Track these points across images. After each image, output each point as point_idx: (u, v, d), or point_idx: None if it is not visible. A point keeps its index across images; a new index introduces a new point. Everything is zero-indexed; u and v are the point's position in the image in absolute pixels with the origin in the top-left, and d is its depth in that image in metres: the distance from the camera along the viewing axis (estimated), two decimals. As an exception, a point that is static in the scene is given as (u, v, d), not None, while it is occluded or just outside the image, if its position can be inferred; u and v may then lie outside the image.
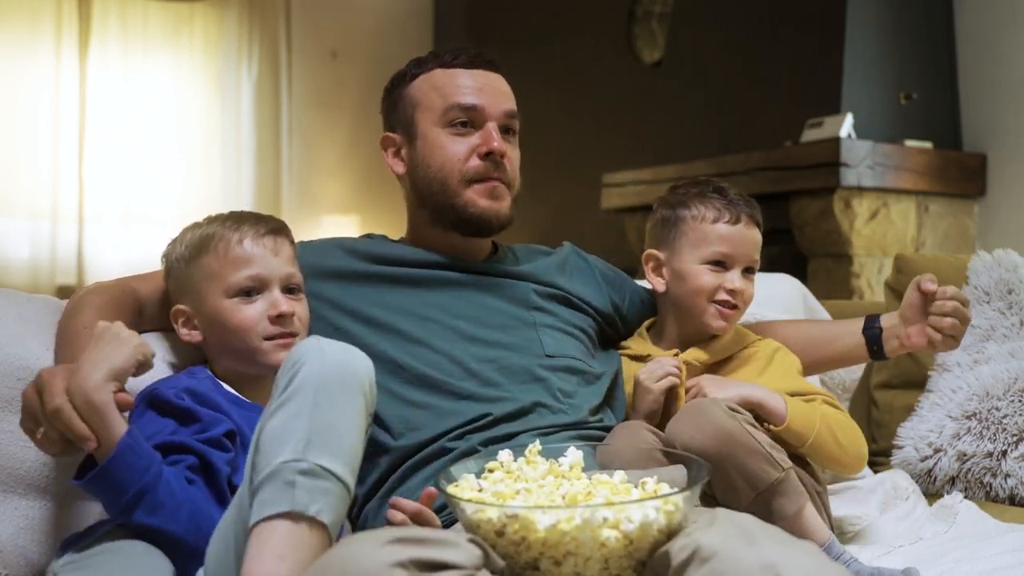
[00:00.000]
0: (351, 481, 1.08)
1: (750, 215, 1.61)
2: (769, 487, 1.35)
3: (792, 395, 1.55)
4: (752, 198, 1.65)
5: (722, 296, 1.58)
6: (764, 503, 1.35)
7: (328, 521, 1.05)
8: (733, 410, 1.39)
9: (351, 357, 1.14)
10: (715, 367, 1.61)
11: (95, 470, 1.13)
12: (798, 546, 1.00)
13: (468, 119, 1.55)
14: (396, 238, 1.67)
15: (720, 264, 1.59)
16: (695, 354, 1.60)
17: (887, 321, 1.65)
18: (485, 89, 1.57)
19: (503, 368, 1.48)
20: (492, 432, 1.41)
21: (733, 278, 1.58)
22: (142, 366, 1.19)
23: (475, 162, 1.54)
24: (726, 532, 0.99)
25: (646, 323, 1.72)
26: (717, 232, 1.59)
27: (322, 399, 1.09)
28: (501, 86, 1.60)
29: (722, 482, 1.36)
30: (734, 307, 1.59)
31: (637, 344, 1.67)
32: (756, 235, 1.62)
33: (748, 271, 1.61)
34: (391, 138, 1.62)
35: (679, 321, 1.64)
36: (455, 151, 1.54)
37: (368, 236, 1.67)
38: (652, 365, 1.55)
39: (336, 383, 1.10)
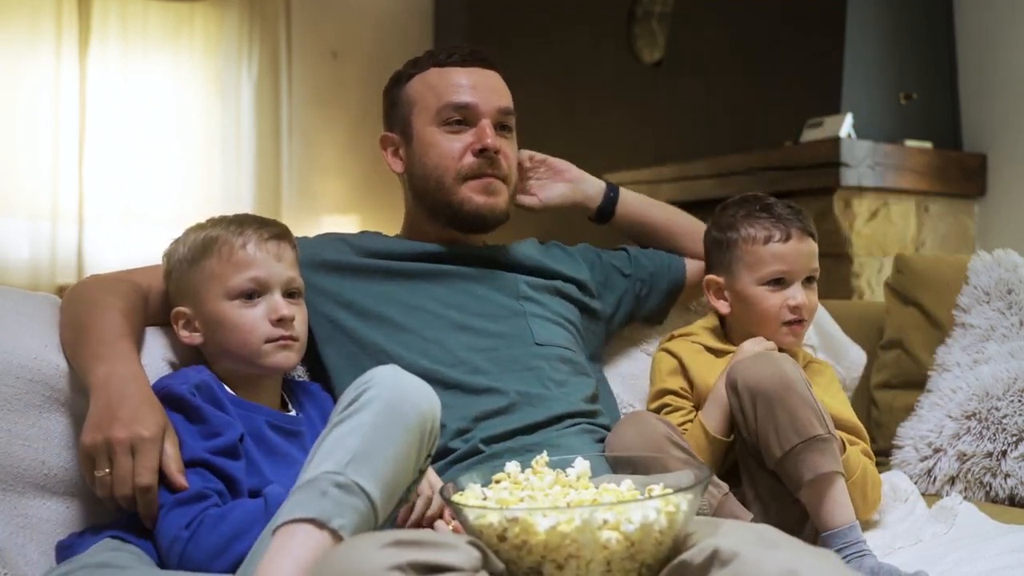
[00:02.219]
0: (381, 506, 1.08)
1: (801, 227, 1.61)
2: (812, 439, 1.37)
3: (845, 423, 1.58)
4: (800, 207, 1.66)
5: (788, 315, 1.60)
6: (802, 455, 1.37)
7: (348, 537, 1.04)
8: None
9: (419, 393, 1.14)
10: None
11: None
12: (817, 553, 0.99)
13: (462, 117, 1.57)
14: (392, 235, 1.68)
15: (780, 282, 1.60)
16: None
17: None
18: (479, 87, 1.58)
19: (493, 358, 1.50)
20: (487, 430, 1.42)
21: (795, 293, 1.60)
22: None
23: (469, 159, 1.56)
24: (743, 537, 0.99)
25: (707, 323, 1.72)
26: (771, 252, 1.60)
27: (380, 422, 1.09)
28: (496, 83, 1.61)
29: (768, 423, 1.39)
30: (801, 321, 1.61)
31: (709, 340, 1.67)
32: (810, 246, 1.62)
33: (809, 279, 1.63)
34: (389, 137, 1.65)
35: (747, 335, 1.64)
36: (450, 149, 1.56)
37: (363, 233, 1.69)
38: (758, 339, 1.58)
39: (397, 412, 1.10)
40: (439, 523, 1.27)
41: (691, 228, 1.82)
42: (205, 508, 1.19)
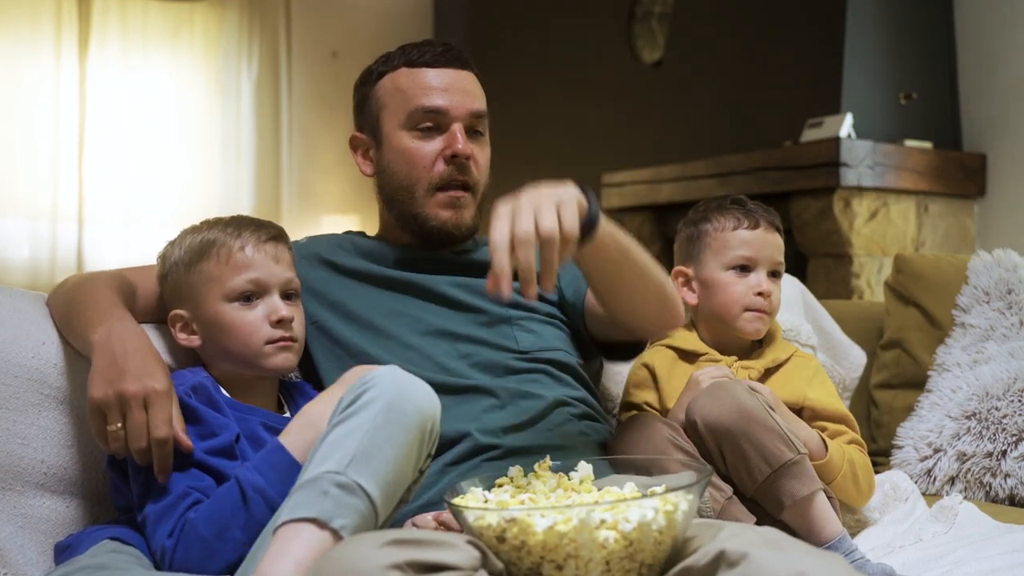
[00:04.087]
0: (382, 506, 1.08)
1: (769, 220, 1.65)
2: (784, 466, 1.37)
3: (832, 413, 1.59)
4: (769, 207, 1.69)
5: (752, 300, 1.61)
6: (777, 483, 1.38)
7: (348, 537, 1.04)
8: (754, 391, 1.42)
9: (420, 393, 1.14)
10: (765, 374, 1.63)
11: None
12: (823, 555, 0.99)
13: (433, 122, 1.52)
14: (372, 235, 1.66)
15: (745, 269, 1.63)
16: (747, 362, 1.63)
17: None
18: (450, 90, 1.53)
19: (476, 364, 1.48)
20: (483, 425, 1.42)
21: (760, 279, 1.62)
22: None
23: (441, 167, 1.52)
24: (750, 539, 0.99)
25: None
26: (738, 238, 1.63)
27: (380, 422, 1.09)
28: (468, 85, 1.56)
29: (737, 458, 1.39)
30: (765, 311, 1.62)
31: (684, 340, 1.68)
32: (777, 239, 1.66)
33: (774, 275, 1.65)
34: (359, 138, 1.61)
35: (715, 330, 1.66)
36: (420, 156, 1.52)
37: (346, 233, 1.67)
38: (711, 370, 1.58)
39: (397, 412, 1.11)
40: (425, 517, 1.26)
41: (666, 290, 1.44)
42: (185, 510, 1.19)
